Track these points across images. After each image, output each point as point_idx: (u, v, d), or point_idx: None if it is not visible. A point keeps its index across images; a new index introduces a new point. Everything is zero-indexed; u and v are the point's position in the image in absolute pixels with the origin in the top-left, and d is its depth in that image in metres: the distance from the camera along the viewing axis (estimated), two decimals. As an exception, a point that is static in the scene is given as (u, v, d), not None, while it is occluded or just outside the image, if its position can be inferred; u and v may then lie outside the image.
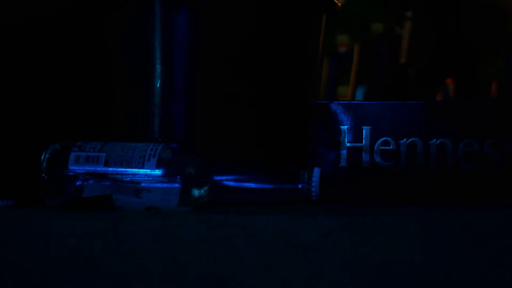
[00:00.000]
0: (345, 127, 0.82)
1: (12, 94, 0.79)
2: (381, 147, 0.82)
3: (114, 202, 0.70)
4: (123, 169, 0.71)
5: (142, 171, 0.70)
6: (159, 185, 0.70)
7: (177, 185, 0.70)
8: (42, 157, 0.72)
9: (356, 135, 0.82)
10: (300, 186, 0.72)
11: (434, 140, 0.81)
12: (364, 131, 0.82)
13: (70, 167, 0.71)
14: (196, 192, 0.70)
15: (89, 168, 0.71)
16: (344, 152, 0.82)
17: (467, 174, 0.80)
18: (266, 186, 0.72)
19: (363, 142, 0.82)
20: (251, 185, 0.72)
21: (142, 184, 0.70)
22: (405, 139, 0.81)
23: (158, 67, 0.81)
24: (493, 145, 0.80)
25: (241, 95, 0.82)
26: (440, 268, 0.50)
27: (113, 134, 0.82)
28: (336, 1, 0.90)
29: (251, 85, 0.82)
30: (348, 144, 0.82)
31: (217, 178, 0.71)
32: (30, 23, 0.81)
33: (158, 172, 0.70)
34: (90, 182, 0.71)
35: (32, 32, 0.81)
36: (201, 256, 0.54)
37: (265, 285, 0.52)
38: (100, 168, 0.71)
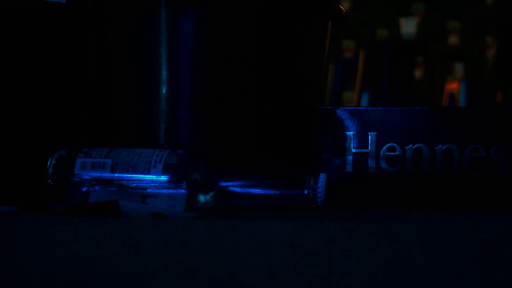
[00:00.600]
0: (351, 133, 0.82)
1: (18, 100, 0.80)
2: (387, 153, 0.81)
3: (120, 208, 0.70)
4: (129, 175, 0.71)
5: (148, 177, 0.70)
6: (165, 191, 0.70)
7: (183, 191, 0.70)
8: (48, 163, 0.72)
9: (362, 141, 0.82)
10: (306, 191, 0.71)
11: (440, 146, 0.81)
12: (370, 137, 0.82)
13: (76, 173, 0.71)
14: (202, 198, 0.71)
15: (95, 174, 0.71)
16: (350, 158, 0.82)
17: (473, 180, 0.80)
18: (272, 191, 0.72)
19: (369, 148, 0.82)
20: (257, 191, 0.72)
21: (148, 190, 0.70)
22: (411, 145, 0.81)
23: (164, 73, 0.81)
24: (499, 151, 0.80)
25: (247, 101, 0.82)
26: (447, 273, 0.50)
27: (119, 140, 0.82)
28: (342, 7, 0.90)
29: (257, 91, 0.82)
30: (354, 150, 0.82)
31: (223, 184, 0.71)
32: (37, 33, 0.81)
33: (164, 178, 0.70)
34: (96, 188, 0.71)
35: (37, 40, 0.81)
36: (207, 261, 0.54)
37: (271, 291, 0.52)
38: (106, 174, 0.71)
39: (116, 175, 0.71)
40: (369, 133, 0.82)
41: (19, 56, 0.80)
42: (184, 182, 0.70)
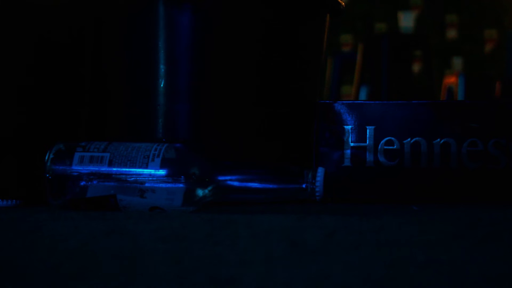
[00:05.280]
0: (349, 126, 0.82)
1: (17, 95, 0.80)
2: (385, 147, 0.82)
3: (118, 202, 0.70)
4: (127, 169, 0.71)
5: (146, 171, 0.70)
6: (163, 185, 0.70)
7: (181, 185, 0.70)
8: (47, 157, 0.72)
9: (360, 135, 0.82)
10: (304, 185, 0.71)
11: (438, 139, 0.81)
12: (368, 130, 0.82)
13: (74, 167, 0.71)
14: (200, 192, 0.71)
15: (93, 168, 0.71)
16: (348, 151, 0.82)
17: (471, 174, 0.80)
18: (270, 186, 0.72)
19: (367, 142, 0.82)
20: (255, 185, 0.72)
21: (146, 184, 0.70)
22: (409, 139, 0.81)
23: (162, 67, 0.81)
24: (497, 145, 0.80)
25: (245, 95, 0.82)
26: (445, 267, 0.50)
27: (117, 134, 0.82)
28: (340, 1, 0.90)
29: (255, 85, 0.82)
30: (352, 144, 0.82)
31: (221, 178, 0.71)
32: (32, 26, 0.81)
33: (162, 172, 0.70)
34: (94, 182, 0.71)
35: (33, 35, 0.81)
36: (205, 256, 0.54)
37: (269, 285, 0.52)
38: (104, 168, 0.71)
39: (114, 169, 0.71)
40: (367, 127, 0.82)
41: (17, 55, 0.80)
42: (182, 176, 0.70)
